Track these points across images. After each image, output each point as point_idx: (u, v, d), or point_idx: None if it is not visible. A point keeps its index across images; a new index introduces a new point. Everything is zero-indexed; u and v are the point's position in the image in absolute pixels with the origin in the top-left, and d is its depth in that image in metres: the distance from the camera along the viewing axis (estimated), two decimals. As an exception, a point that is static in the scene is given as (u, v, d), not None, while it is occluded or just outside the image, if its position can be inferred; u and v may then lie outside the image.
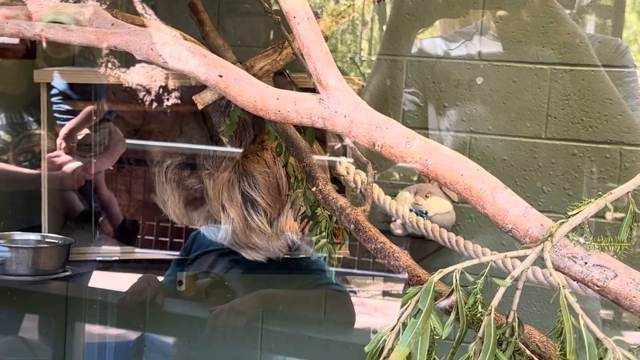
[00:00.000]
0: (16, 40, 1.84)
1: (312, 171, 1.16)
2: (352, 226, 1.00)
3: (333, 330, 1.97)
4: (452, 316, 0.73)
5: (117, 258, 1.71)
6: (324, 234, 1.25)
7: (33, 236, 1.64)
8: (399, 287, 2.04)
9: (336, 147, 1.63)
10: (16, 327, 2.00)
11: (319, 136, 1.58)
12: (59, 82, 1.68)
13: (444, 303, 0.76)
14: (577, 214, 0.73)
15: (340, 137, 1.60)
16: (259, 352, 2.00)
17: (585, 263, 0.74)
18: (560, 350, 0.71)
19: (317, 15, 1.78)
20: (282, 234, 1.58)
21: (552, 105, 1.78)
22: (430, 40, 1.90)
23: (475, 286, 0.74)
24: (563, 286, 0.69)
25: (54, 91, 1.68)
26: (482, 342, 0.70)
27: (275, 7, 1.48)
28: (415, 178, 1.94)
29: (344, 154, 1.61)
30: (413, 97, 1.90)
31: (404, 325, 0.72)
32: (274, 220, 1.57)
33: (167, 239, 1.78)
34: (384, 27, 2.00)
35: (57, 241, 1.63)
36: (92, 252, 1.68)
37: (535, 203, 1.76)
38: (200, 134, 1.66)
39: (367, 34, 2.12)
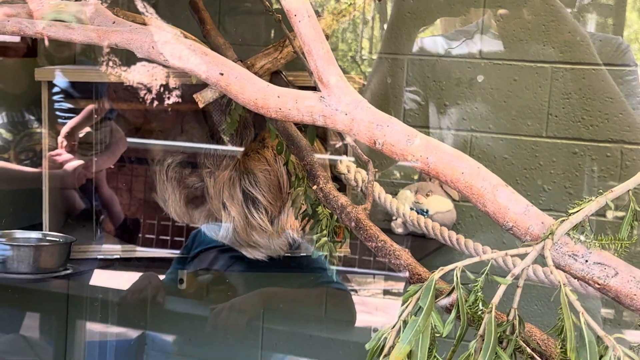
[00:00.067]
0: (17, 39, 1.84)
1: (313, 169, 1.17)
2: (353, 224, 1.00)
3: (334, 329, 1.97)
4: (453, 314, 0.73)
5: (118, 256, 1.71)
6: (324, 232, 1.25)
7: (34, 234, 1.64)
8: (399, 286, 2.04)
9: (337, 145, 1.63)
10: (17, 325, 2.01)
11: (320, 134, 1.58)
12: (60, 80, 1.68)
13: (444, 301, 0.76)
14: (577, 211, 0.73)
15: (341, 136, 1.60)
16: (259, 351, 2.00)
17: (586, 261, 0.74)
18: (561, 348, 0.71)
19: (318, 14, 1.78)
20: (283, 232, 1.58)
21: (553, 104, 1.78)
22: (431, 39, 1.90)
23: (476, 284, 0.74)
24: (564, 284, 0.69)
25: (55, 89, 1.69)
26: (483, 340, 0.70)
27: (276, 6, 1.49)
28: (416, 177, 1.94)
29: (345, 153, 1.61)
30: (414, 95, 1.90)
31: (405, 323, 0.72)
32: (274, 218, 1.57)
33: (168, 238, 1.78)
34: (385, 26, 2.00)
35: (58, 239, 1.63)
36: (93, 251, 1.69)
37: (536, 202, 1.76)
38: (201, 133, 1.66)
39: (368, 33, 2.12)
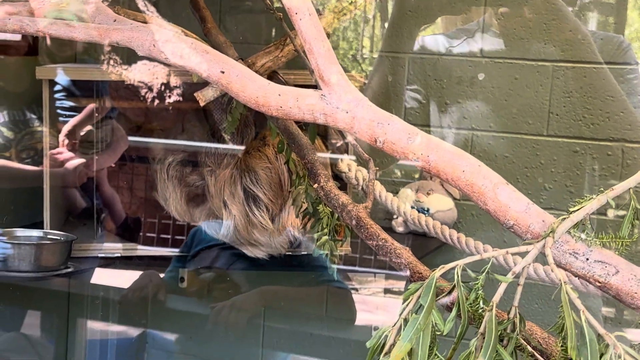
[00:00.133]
0: (18, 37, 1.85)
1: (314, 168, 1.17)
2: (353, 223, 1.00)
3: (334, 327, 1.97)
4: (454, 312, 0.73)
5: (119, 255, 1.71)
6: (325, 230, 1.25)
7: (35, 233, 1.64)
8: (400, 285, 2.04)
9: (338, 144, 1.63)
10: (18, 323, 2.01)
11: (321, 132, 1.58)
12: (61, 78, 1.68)
13: (445, 299, 0.76)
14: (578, 210, 0.73)
15: (342, 134, 1.60)
16: (260, 349, 2.00)
17: (587, 259, 0.74)
18: (562, 346, 0.71)
19: (319, 12, 1.78)
20: (284, 230, 1.58)
21: (554, 103, 1.78)
22: (432, 38, 1.90)
23: (477, 282, 0.74)
24: (564, 282, 0.69)
25: (57, 87, 1.69)
26: (484, 338, 0.70)
27: (277, 4, 1.49)
28: (417, 175, 1.94)
29: (346, 151, 1.61)
30: (415, 94, 1.90)
31: (406, 321, 0.72)
32: (275, 216, 1.58)
33: (169, 236, 1.78)
34: (386, 24, 2.00)
35: (59, 238, 1.63)
36: (94, 249, 1.69)
37: (536, 200, 1.76)
38: (202, 131, 1.66)
39: (369, 31, 2.12)
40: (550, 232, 0.73)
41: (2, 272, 1.58)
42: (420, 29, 1.90)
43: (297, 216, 1.45)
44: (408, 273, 0.94)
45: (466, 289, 0.74)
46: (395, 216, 1.77)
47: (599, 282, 0.74)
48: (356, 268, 1.84)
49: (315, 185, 1.14)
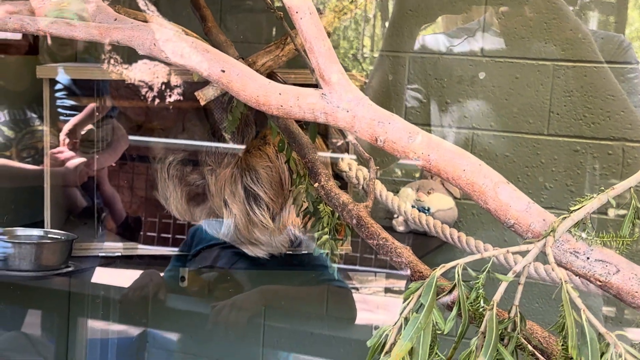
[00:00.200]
0: (19, 36, 1.84)
1: (315, 167, 1.17)
2: (354, 222, 1.00)
3: (335, 326, 1.98)
4: (454, 311, 0.73)
5: (119, 254, 1.71)
6: (326, 230, 1.25)
7: (36, 232, 1.64)
8: (401, 284, 2.04)
9: (338, 143, 1.63)
10: (19, 322, 2.01)
11: (321, 131, 1.58)
12: (61, 78, 1.68)
13: (446, 298, 0.76)
14: (579, 209, 0.73)
15: (342, 133, 1.60)
16: (261, 348, 2.00)
17: (588, 258, 0.74)
18: (562, 345, 0.71)
19: (320, 11, 1.78)
20: (285, 229, 1.58)
21: (555, 102, 1.78)
22: (433, 37, 1.89)
23: (478, 281, 0.74)
24: (565, 281, 0.69)
25: (57, 86, 1.69)
26: (484, 337, 0.70)
27: (277, 3, 1.49)
28: (417, 174, 1.94)
29: (346, 150, 1.61)
30: (415, 93, 1.90)
31: (406, 320, 0.72)
32: (276, 215, 1.58)
33: (170, 235, 1.78)
34: (386, 24, 2.00)
35: (59, 237, 1.63)
36: (94, 248, 1.69)
37: (537, 199, 1.75)
38: (203, 131, 1.66)
39: (370, 31, 2.12)
40: (551, 231, 0.73)
41: (2, 271, 1.58)
42: (420, 28, 1.90)
43: (297, 215, 1.45)
44: (409, 272, 0.94)
45: (467, 288, 0.74)
46: (395, 215, 1.77)
47: (600, 281, 0.74)
48: (357, 267, 1.84)
49: (316, 185, 1.14)
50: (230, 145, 1.59)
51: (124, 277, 1.86)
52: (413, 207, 1.72)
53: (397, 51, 1.90)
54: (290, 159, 1.33)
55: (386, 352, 0.73)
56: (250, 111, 1.55)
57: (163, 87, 1.56)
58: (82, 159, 1.69)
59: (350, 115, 0.82)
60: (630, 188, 0.74)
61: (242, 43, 1.87)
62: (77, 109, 1.72)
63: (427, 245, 1.69)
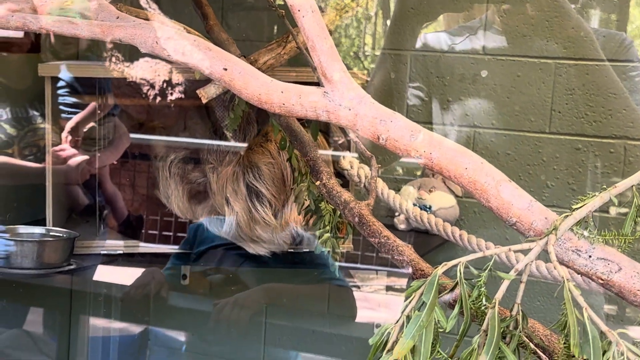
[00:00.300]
0: (21, 34, 1.85)
1: (316, 165, 1.17)
2: (356, 220, 1.00)
3: (336, 324, 1.98)
4: (456, 309, 0.73)
5: (121, 252, 1.71)
6: (327, 228, 1.25)
7: (38, 230, 1.64)
8: (402, 282, 2.04)
9: (340, 141, 1.63)
10: (21, 320, 2.01)
11: (322, 128, 1.58)
12: (63, 76, 1.68)
13: (447, 296, 0.77)
14: (581, 207, 0.73)
15: (344, 131, 1.60)
16: (262, 346, 2.00)
17: (590, 256, 0.74)
18: (564, 344, 0.71)
19: (321, 10, 1.78)
20: (287, 226, 1.59)
21: (556, 100, 1.78)
22: (435, 35, 1.89)
23: (480, 279, 0.74)
24: (567, 279, 0.69)
25: (60, 83, 1.69)
26: (486, 335, 0.71)
27: (279, 1, 1.48)
28: (419, 173, 1.94)
29: (348, 149, 1.61)
30: (417, 91, 1.90)
31: (408, 318, 0.72)
32: (278, 211, 1.58)
33: (171, 233, 1.78)
34: (388, 22, 1.99)
35: (61, 235, 1.63)
36: (96, 246, 1.69)
37: (539, 197, 1.75)
38: (204, 129, 1.66)
39: (371, 29, 2.12)
40: (553, 229, 0.73)
41: (4, 269, 1.58)
42: (422, 26, 1.89)
43: (299, 213, 1.45)
44: (410, 270, 0.94)
45: (469, 286, 0.74)
46: (397, 213, 1.77)
47: (602, 280, 0.74)
48: (358, 265, 1.85)
49: (318, 183, 1.14)
50: (232, 143, 1.59)
51: (126, 275, 1.87)
52: (414, 205, 1.72)
53: (399, 49, 1.90)
54: (292, 157, 1.33)
55: (388, 350, 0.73)
56: (251, 109, 1.55)
57: (164, 85, 1.56)
58: (84, 157, 1.70)
59: (353, 113, 0.82)
60: (632, 186, 0.74)
61: (244, 41, 1.87)
62: (79, 106, 1.72)
63: (429, 244, 1.69)
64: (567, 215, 0.74)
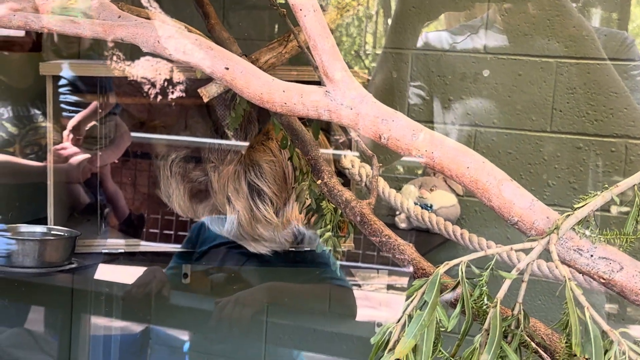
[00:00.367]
0: (22, 33, 1.85)
1: (318, 164, 1.17)
2: (358, 219, 1.00)
3: (337, 323, 1.98)
4: (458, 308, 0.73)
5: (122, 251, 1.72)
6: (329, 227, 1.25)
7: (39, 228, 1.64)
8: (403, 281, 2.04)
9: (341, 140, 1.63)
10: (22, 319, 2.01)
11: (323, 126, 1.57)
12: (65, 74, 1.68)
13: (449, 295, 0.77)
14: (583, 206, 0.73)
15: (345, 130, 1.60)
16: (263, 345, 2.00)
17: (591, 256, 0.74)
18: (566, 343, 0.71)
19: (322, 9, 1.78)
20: (288, 224, 1.59)
21: (558, 99, 1.78)
22: (436, 34, 1.89)
23: (481, 278, 0.74)
24: (569, 279, 0.69)
25: (61, 82, 1.69)
26: (488, 334, 0.71)
27: (280, 0, 1.48)
28: (420, 171, 1.94)
29: (349, 147, 1.61)
30: (418, 90, 1.90)
31: (410, 317, 0.72)
32: (279, 209, 1.58)
33: (172, 232, 1.78)
34: (389, 21, 1.99)
35: (63, 233, 1.63)
36: (97, 245, 1.69)
37: (540, 196, 1.75)
38: (205, 128, 1.66)
39: (372, 28, 2.12)
40: (555, 228, 0.73)
41: (6, 267, 1.58)
42: (423, 25, 1.89)
43: (300, 212, 1.45)
44: (411, 269, 0.94)
45: (470, 286, 0.74)
46: (398, 212, 1.77)
47: (604, 279, 0.74)
48: (359, 264, 1.85)
49: (319, 182, 1.14)
50: (233, 142, 1.59)
51: (127, 274, 1.87)
52: (416, 204, 1.72)
53: (400, 48, 1.90)
54: (293, 156, 1.33)
55: (390, 349, 0.73)
56: (253, 108, 1.55)
57: (166, 84, 1.56)
58: (86, 156, 1.70)
59: (354, 112, 0.82)
60: (634, 185, 0.74)
61: (245, 40, 1.86)
62: (81, 105, 1.72)
63: (430, 243, 1.69)
64: (569, 215, 0.74)
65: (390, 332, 0.74)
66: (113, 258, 1.73)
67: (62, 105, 1.72)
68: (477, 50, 1.83)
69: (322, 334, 2.01)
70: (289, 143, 1.30)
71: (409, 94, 1.90)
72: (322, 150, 1.21)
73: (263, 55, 1.44)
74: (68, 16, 0.92)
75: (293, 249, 1.66)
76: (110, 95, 1.70)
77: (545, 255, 0.75)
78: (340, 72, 0.82)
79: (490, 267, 0.74)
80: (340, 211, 1.17)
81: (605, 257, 0.74)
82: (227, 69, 0.86)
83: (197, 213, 1.67)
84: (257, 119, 1.61)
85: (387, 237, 0.96)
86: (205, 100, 1.34)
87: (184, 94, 1.57)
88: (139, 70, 1.50)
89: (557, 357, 0.76)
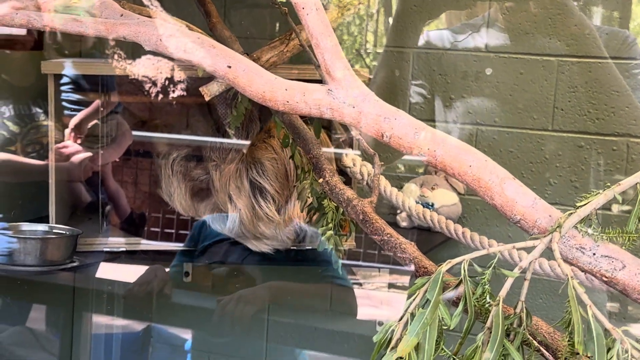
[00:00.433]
0: (24, 32, 1.85)
1: (319, 163, 1.17)
2: (360, 217, 1.00)
3: (339, 322, 1.98)
4: (461, 307, 0.73)
5: (124, 249, 1.72)
6: (330, 225, 1.25)
7: (41, 227, 1.65)
8: (404, 280, 2.04)
9: (342, 139, 1.63)
10: (24, 317, 2.01)
11: (325, 125, 1.57)
12: (66, 73, 1.68)
13: (451, 294, 0.77)
14: (585, 204, 0.73)
15: (345, 128, 1.60)
16: (265, 343, 2.00)
17: (594, 254, 0.74)
18: (569, 341, 0.71)
19: (324, 7, 1.77)
20: (290, 221, 1.59)
21: (559, 97, 1.78)
22: (437, 32, 1.89)
23: (484, 277, 0.74)
24: (571, 277, 0.69)
25: (64, 80, 1.69)
26: (490, 333, 0.71)
27: (282, -1, 1.48)
28: (421, 170, 1.94)
29: (351, 146, 1.61)
30: (420, 89, 1.90)
31: (412, 315, 0.72)
32: (281, 207, 1.58)
33: (173, 231, 1.78)
34: (390, 19, 1.99)
35: (64, 232, 1.63)
36: (99, 243, 1.69)
37: (541, 195, 1.74)
38: (207, 126, 1.66)
39: (373, 26, 2.12)
40: (557, 227, 0.73)
41: (7, 266, 1.58)
42: (425, 23, 1.89)
43: (302, 211, 1.45)
44: (413, 268, 0.94)
45: (473, 284, 0.74)
46: (399, 211, 1.77)
47: (606, 277, 0.74)
48: (360, 263, 1.85)
49: (321, 180, 1.14)
50: (234, 140, 1.59)
51: (129, 273, 1.87)
52: (417, 202, 1.72)
53: (402, 47, 1.90)
54: (294, 155, 1.33)
55: (392, 348, 0.73)
56: (254, 107, 1.55)
57: (167, 83, 1.56)
58: (87, 154, 1.70)
59: (357, 111, 0.82)
60: (636, 184, 0.74)
61: (246, 39, 1.86)
62: (82, 104, 1.72)
63: (431, 241, 1.69)
64: (572, 213, 0.74)
65: (393, 330, 0.74)
66: (114, 256, 1.73)
67: (64, 104, 1.72)
68: (479, 48, 1.83)
69: (323, 333, 2.01)
70: (290, 141, 1.30)
71: (411, 93, 1.90)
72: (323, 149, 1.21)
73: (264, 53, 1.44)
74: (70, 14, 0.92)
75: (294, 247, 1.66)
76: (112, 94, 1.70)
77: (546, 253, 0.75)
78: (342, 70, 0.82)
79: (493, 265, 0.74)
80: (341, 210, 1.17)
81: (607, 256, 0.74)
82: (230, 67, 0.86)
83: (199, 212, 1.67)
84: (259, 118, 1.61)
85: (388, 235, 0.96)
86: (207, 98, 1.35)
87: (185, 93, 1.57)
88: (141, 69, 1.50)
89: (559, 356, 0.76)
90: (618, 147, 1.75)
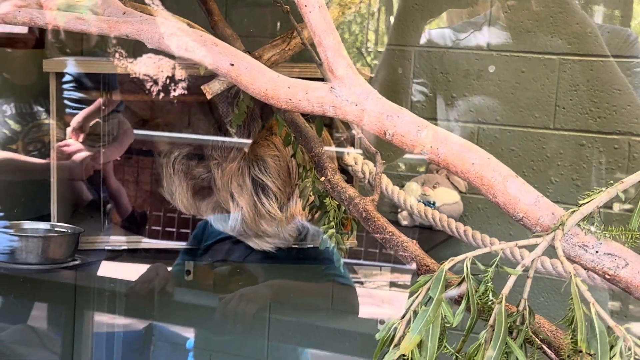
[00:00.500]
0: (25, 30, 1.85)
1: (321, 161, 1.17)
2: (362, 215, 1.00)
3: (340, 320, 1.98)
4: (463, 304, 0.73)
5: (125, 247, 1.72)
6: (332, 223, 1.25)
7: (42, 225, 1.65)
8: (405, 278, 2.04)
9: (343, 137, 1.63)
10: (25, 315, 2.02)
11: (327, 123, 1.57)
12: (69, 71, 1.68)
13: (454, 292, 0.77)
14: (588, 202, 0.73)
15: (347, 126, 1.60)
16: (266, 341, 2.00)
17: (597, 252, 0.74)
18: (571, 339, 0.71)
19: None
20: (292, 219, 1.58)
21: (561, 96, 1.78)
22: (439, 31, 1.89)
23: (486, 275, 0.74)
24: (574, 275, 0.69)
25: (66, 78, 1.69)
26: (493, 331, 0.71)
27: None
28: (422, 169, 1.94)
29: (352, 145, 1.61)
30: (421, 87, 1.90)
31: (415, 313, 0.72)
32: (283, 204, 1.58)
33: (175, 229, 1.78)
34: (391, 18, 1.99)
35: (66, 230, 1.63)
36: (100, 242, 1.69)
37: (543, 193, 1.75)
38: (208, 125, 1.66)
39: (374, 25, 2.12)
40: (560, 224, 0.73)
41: (9, 264, 1.58)
42: (426, 22, 1.89)
43: (303, 209, 1.45)
44: (415, 266, 0.94)
45: (475, 282, 0.74)
46: (400, 210, 1.77)
47: (609, 275, 0.74)
48: (362, 262, 1.85)
49: (322, 178, 1.14)
50: (236, 139, 1.59)
51: (130, 271, 1.87)
52: (419, 201, 1.72)
53: (403, 45, 1.90)
54: (296, 153, 1.33)
55: (395, 345, 0.73)
56: (256, 105, 1.55)
57: (168, 81, 1.56)
58: (89, 153, 1.70)
59: (359, 108, 0.82)
60: (639, 181, 0.74)
61: (248, 37, 1.86)
62: (84, 102, 1.72)
63: (433, 239, 1.69)
64: (574, 211, 0.74)
65: (395, 328, 0.74)
66: (116, 255, 1.73)
67: (66, 102, 1.72)
68: (480, 47, 1.83)
69: (324, 331, 2.01)
70: (292, 140, 1.30)
71: (412, 91, 1.90)
72: (325, 147, 1.21)
73: (266, 52, 1.43)
74: (73, 12, 0.92)
75: (296, 246, 1.66)
76: (114, 92, 1.70)
77: (548, 251, 0.75)
78: (345, 68, 0.82)
79: (495, 263, 0.74)
80: (343, 208, 1.17)
81: (610, 254, 0.74)
82: (232, 65, 0.86)
83: (200, 210, 1.67)
84: (260, 116, 1.61)
85: (390, 233, 0.96)
86: (208, 97, 1.34)
87: (186, 91, 1.57)
88: (142, 67, 1.50)
89: (562, 354, 0.76)
90: (620, 146, 1.75)
